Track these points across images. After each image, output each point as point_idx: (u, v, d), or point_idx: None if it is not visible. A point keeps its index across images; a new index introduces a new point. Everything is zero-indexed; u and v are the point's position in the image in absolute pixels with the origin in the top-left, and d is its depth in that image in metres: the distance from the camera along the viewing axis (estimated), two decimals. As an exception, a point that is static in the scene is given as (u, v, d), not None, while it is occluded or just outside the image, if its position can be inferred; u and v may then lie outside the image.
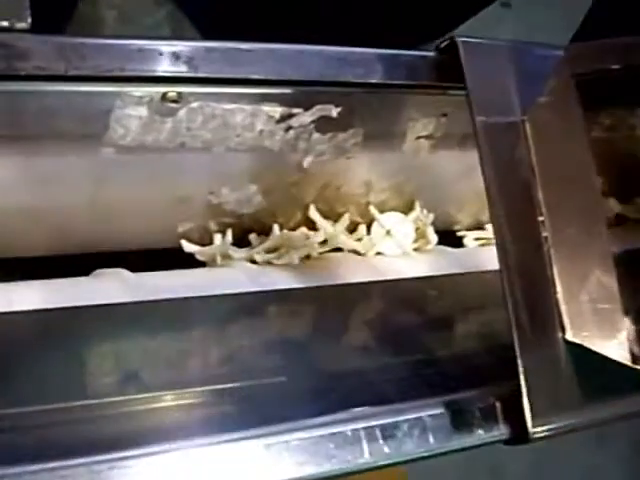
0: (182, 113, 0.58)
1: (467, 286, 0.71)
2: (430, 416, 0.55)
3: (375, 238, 0.74)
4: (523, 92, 0.62)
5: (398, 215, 0.75)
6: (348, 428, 0.52)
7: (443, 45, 0.63)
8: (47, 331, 0.55)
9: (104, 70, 0.54)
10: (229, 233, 0.68)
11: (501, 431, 0.57)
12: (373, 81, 0.61)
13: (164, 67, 0.55)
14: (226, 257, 0.68)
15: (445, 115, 0.68)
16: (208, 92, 0.58)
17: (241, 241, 0.70)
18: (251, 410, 0.51)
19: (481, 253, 0.78)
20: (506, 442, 0.57)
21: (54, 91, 0.55)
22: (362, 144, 0.66)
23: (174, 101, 0.57)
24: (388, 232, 0.75)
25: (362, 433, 0.52)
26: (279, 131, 0.62)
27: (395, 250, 0.75)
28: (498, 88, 0.62)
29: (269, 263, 0.68)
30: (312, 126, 0.63)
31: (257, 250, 0.69)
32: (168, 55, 0.55)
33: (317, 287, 0.66)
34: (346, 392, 0.55)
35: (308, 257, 0.70)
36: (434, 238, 0.77)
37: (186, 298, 0.61)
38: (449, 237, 0.80)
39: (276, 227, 0.69)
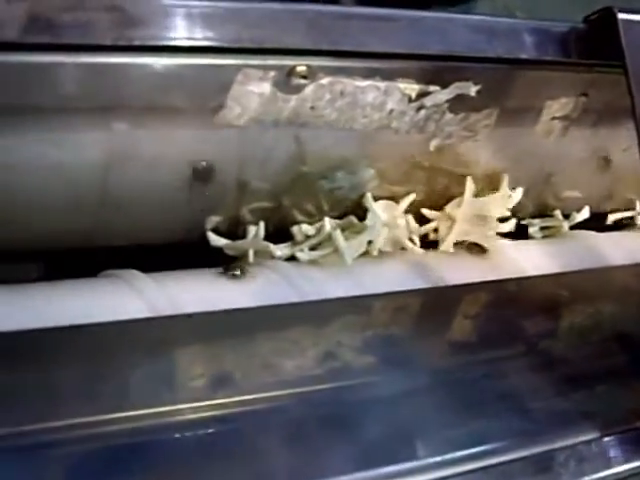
0: (309, 90, 0.51)
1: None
2: (585, 443, 0.48)
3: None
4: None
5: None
6: (500, 460, 0.45)
7: (594, 17, 0.56)
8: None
9: (227, 40, 0.46)
10: (262, 226, 0.57)
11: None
12: (523, 56, 0.53)
13: (294, 36, 0.48)
14: (260, 253, 0.57)
15: (586, 95, 0.60)
16: (342, 66, 0.50)
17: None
18: (391, 444, 0.44)
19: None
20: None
21: (167, 64, 0.47)
22: (493, 126, 0.58)
23: (303, 76, 0.49)
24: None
25: (516, 466, 0.46)
26: (410, 111, 0.55)
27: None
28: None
29: (313, 262, 0.58)
30: (446, 106, 0.55)
31: (301, 247, 0.58)
32: (301, 23, 0.47)
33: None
34: (491, 417, 0.48)
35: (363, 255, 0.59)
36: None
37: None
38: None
39: (327, 220, 0.58)
